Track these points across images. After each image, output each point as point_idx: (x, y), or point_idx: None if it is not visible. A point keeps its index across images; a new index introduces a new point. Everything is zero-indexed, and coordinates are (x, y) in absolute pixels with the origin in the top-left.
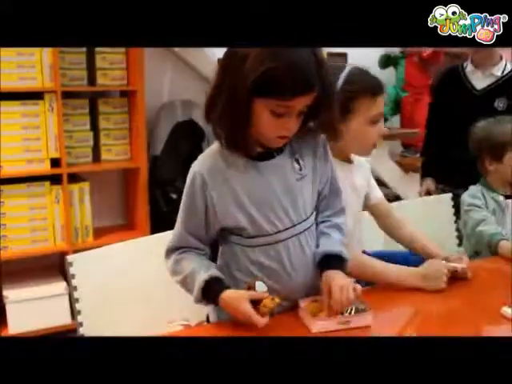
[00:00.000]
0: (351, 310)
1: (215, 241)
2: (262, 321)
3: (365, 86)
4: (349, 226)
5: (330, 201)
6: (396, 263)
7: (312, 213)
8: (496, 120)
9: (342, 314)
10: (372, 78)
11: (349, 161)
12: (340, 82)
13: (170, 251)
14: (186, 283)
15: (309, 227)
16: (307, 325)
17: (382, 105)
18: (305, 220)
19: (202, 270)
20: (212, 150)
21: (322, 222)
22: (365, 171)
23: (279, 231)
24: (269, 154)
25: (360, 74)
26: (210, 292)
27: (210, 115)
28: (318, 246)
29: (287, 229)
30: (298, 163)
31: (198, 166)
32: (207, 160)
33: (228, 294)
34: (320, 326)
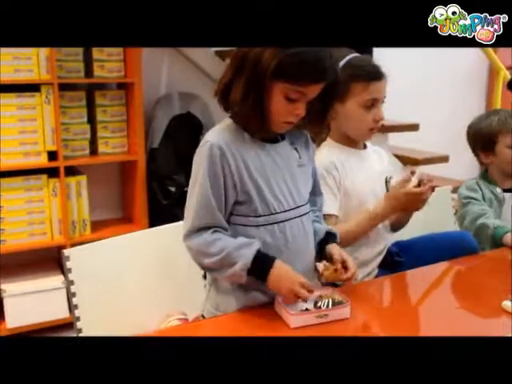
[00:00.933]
0: (328, 302)
1: None
2: (306, 294)
3: (360, 71)
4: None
5: (315, 198)
6: (438, 245)
7: (308, 201)
8: (485, 114)
9: (320, 307)
10: (370, 65)
11: (360, 147)
12: (339, 66)
13: (196, 231)
14: (226, 261)
15: (307, 212)
16: (285, 320)
17: (377, 91)
18: (304, 205)
19: (248, 244)
20: (225, 125)
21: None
22: (381, 156)
23: (285, 210)
24: (274, 138)
25: (358, 61)
26: (264, 262)
27: (228, 97)
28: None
29: (292, 209)
30: (298, 152)
31: (214, 138)
32: (222, 133)
33: (281, 265)
34: (298, 320)
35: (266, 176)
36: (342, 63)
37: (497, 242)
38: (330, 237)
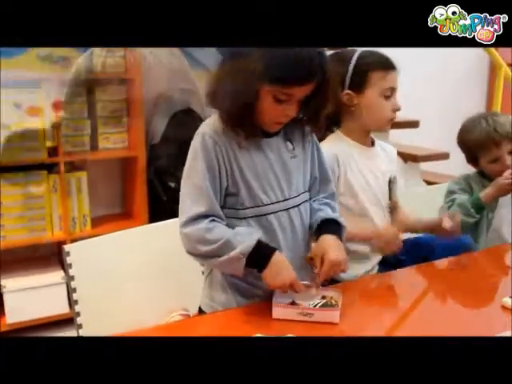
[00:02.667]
0: (320, 303)
1: None
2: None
3: (377, 60)
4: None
5: (321, 186)
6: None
7: (304, 192)
8: (472, 121)
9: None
10: (383, 55)
11: (368, 144)
12: (354, 60)
13: (194, 219)
14: (225, 247)
15: (299, 204)
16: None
17: (393, 81)
18: (296, 196)
19: (248, 232)
20: (216, 118)
21: (315, 202)
22: (389, 155)
23: (272, 203)
24: (266, 133)
25: (371, 52)
26: (263, 251)
27: (216, 99)
28: (313, 221)
29: (279, 201)
30: (292, 143)
31: (207, 129)
32: (214, 124)
33: (282, 257)
34: (279, 312)
35: (254, 170)
36: (356, 54)
37: (479, 207)
38: (325, 226)
